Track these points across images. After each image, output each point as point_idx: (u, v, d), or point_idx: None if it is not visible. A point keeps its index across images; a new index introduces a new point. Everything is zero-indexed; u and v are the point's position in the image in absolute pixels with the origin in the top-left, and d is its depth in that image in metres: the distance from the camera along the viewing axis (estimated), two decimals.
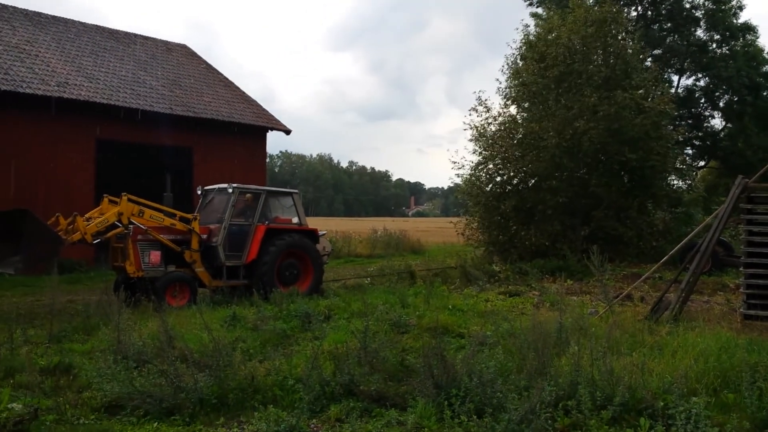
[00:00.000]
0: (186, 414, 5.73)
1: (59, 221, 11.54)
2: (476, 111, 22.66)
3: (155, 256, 12.23)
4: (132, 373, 6.38)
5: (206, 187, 14.37)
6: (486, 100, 22.88)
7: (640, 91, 20.89)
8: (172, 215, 12.86)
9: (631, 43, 22.08)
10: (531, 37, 22.21)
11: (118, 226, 11.99)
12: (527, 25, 23.96)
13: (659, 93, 21.62)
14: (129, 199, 12.11)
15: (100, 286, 12.35)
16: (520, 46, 23.13)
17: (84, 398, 6.17)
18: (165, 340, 7.22)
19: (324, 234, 15.38)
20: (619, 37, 21.68)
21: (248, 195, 13.81)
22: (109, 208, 12.05)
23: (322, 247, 14.79)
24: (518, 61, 22.74)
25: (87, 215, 11.97)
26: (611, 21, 21.44)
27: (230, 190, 13.23)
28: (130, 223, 12.02)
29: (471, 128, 22.43)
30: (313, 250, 14.17)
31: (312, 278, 13.95)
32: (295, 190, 15.31)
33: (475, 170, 22.19)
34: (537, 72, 20.99)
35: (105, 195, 12.41)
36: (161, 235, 12.36)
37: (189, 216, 12.98)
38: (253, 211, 13.57)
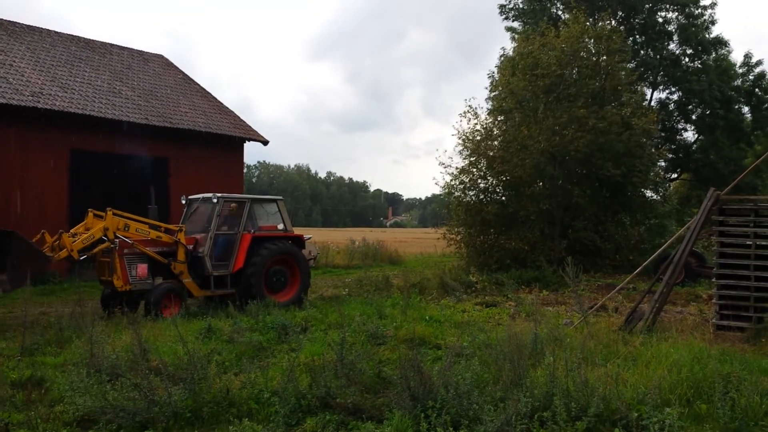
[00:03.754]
0: (160, 428, 5.67)
1: (45, 238, 11.56)
2: (465, 117, 23.05)
3: (142, 269, 12.26)
4: (105, 387, 6.31)
5: (190, 197, 14.35)
6: (476, 107, 23.20)
7: (626, 109, 21.36)
8: (157, 227, 12.85)
9: (621, 64, 22.55)
10: (524, 49, 22.53)
11: (105, 241, 11.95)
12: (525, 38, 24.27)
13: (645, 113, 22.07)
14: (114, 214, 12.11)
15: (73, 298, 12.20)
16: (513, 56, 23.51)
17: (56, 412, 6.09)
18: (139, 353, 7.15)
19: (310, 238, 15.48)
20: (616, 57, 22.11)
21: (233, 204, 13.82)
22: (94, 222, 12.06)
23: (308, 251, 14.90)
24: (510, 70, 22.98)
25: (72, 231, 11.98)
26: (606, 38, 22.00)
27: (215, 200, 13.26)
28: (116, 237, 12.02)
29: (460, 133, 22.75)
30: (300, 255, 14.21)
31: (299, 283, 14.02)
32: (279, 197, 15.29)
33: (460, 174, 22.43)
34: (528, 80, 21.30)
35: (90, 209, 12.37)
36: (147, 248, 12.39)
37: (174, 227, 13.00)
38: (238, 220, 13.58)
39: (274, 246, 13.67)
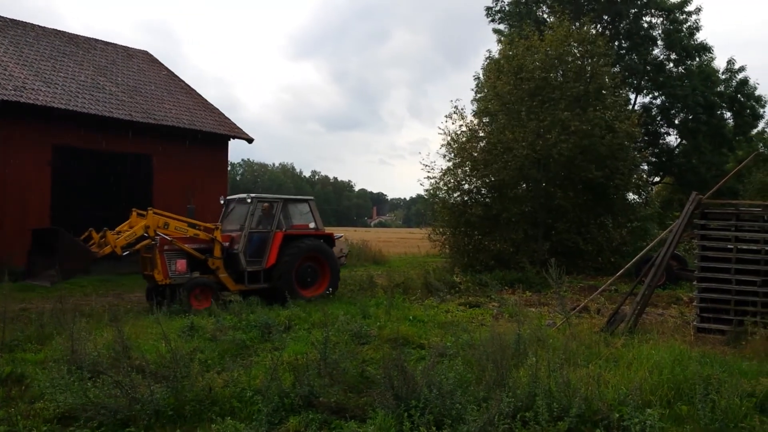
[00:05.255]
0: (141, 426, 5.63)
1: (92, 235, 12.30)
2: (451, 118, 23.25)
3: (181, 264, 13.09)
4: (86, 384, 6.24)
5: (228, 197, 15.30)
6: (462, 108, 23.40)
7: (610, 113, 21.55)
8: (195, 226, 13.61)
9: (606, 69, 22.72)
10: (510, 52, 22.66)
11: (146, 238, 12.82)
12: (509, 41, 24.39)
13: (628, 116, 22.28)
14: (155, 213, 12.97)
15: (54, 295, 12.12)
16: (499, 59, 23.67)
17: (36, 409, 6.02)
18: (121, 351, 7.10)
19: (341, 237, 15.87)
20: (601, 61, 22.29)
21: (266, 204, 14.50)
22: (137, 221, 12.83)
23: (338, 249, 15.85)
24: (495, 73, 23.10)
25: (117, 229, 12.73)
26: (590, 42, 22.27)
27: (249, 200, 14.03)
28: (157, 234, 12.84)
29: (445, 134, 22.86)
30: (330, 253, 14.93)
31: (329, 280, 14.71)
32: (311, 197, 16.10)
33: (444, 175, 22.51)
34: (512, 83, 21.42)
35: (133, 209, 13.20)
36: (186, 245, 13.15)
37: (211, 226, 13.77)
38: (271, 219, 14.28)
39: (304, 243, 14.35)
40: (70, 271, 11.97)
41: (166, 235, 12.94)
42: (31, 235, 12.79)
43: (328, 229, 16.24)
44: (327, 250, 14.83)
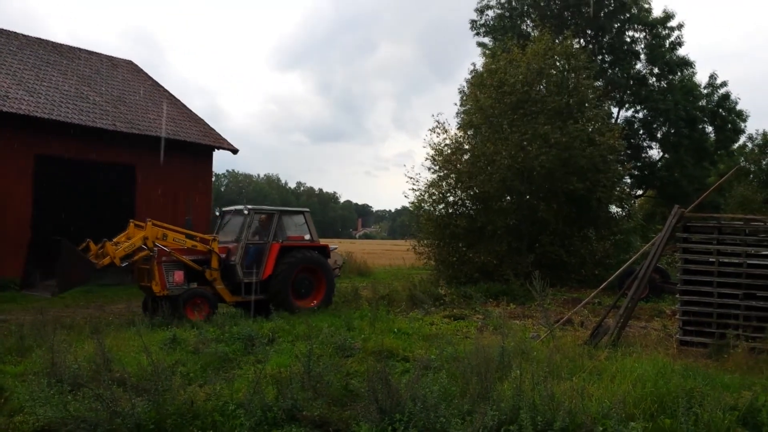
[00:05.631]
0: None
1: (90, 246, 12.31)
2: (435, 132, 23.30)
3: (179, 275, 13.08)
4: (66, 397, 6.16)
5: (224, 209, 15.37)
6: (444, 122, 23.57)
7: (592, 125, 21.74)
8: (192, 237, 13.64)
9: (587, 81, 22.94)
10: (492, 66, 22.85)
11: (144, 249, 12.78)
12: (492, 55, 24.64)
13: (610, 129, 22.51)
14: (154, 224, 12.96)
15: (34, 306, 11.99)
16: (482, 73, 23.87)
17: (16, 422, 5.94)
18: (102, 363, 7.02)
19: (335, 249, 15.97)
20: (583, 75, 22.52)
21: (263, 216, 14.62)
22: (135, 232, 12.88)
23: (333, 261, 15.84)
24: (478, 87, 23.25)
25: (115, 240, 12.69)
26: (570, 55, 22.54)
27: (246, 212, 14.15)
28: (155, 246, 12.81)
29: (430, 147, 22.97)
30: (326, 264, 15.05)
31: (325, 291, 14.83)
32: (306, 209, 16.21)
33: (429, 188, 22.56)
34: (495, 97, 21.56)
35: (131, 220, 13.29)
36: (183, 256, 13.17)
37: (208, 237, 13.83)
38: (267, 231, 14.39)
39: (300, 255, 14.50)
40: (72, 283, 12.03)
41: (164, 246, 12.95)
42: (29, 247, 12.95)
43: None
44: (323, 261, 14.99)
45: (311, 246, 15.06)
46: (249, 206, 14.32)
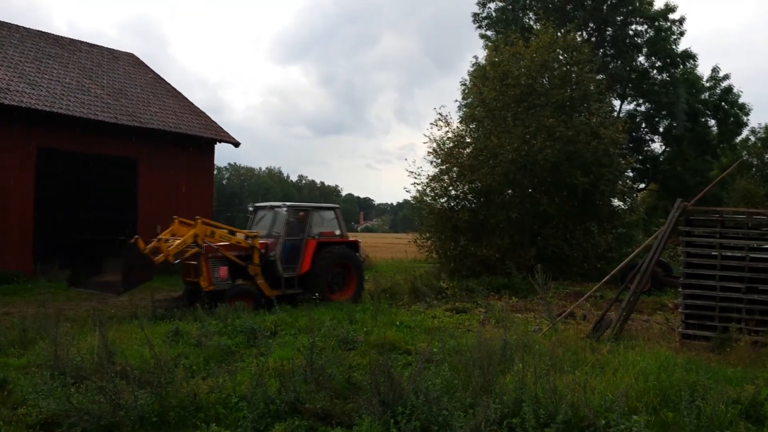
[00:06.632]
0: None
1: (139, 243, 12.45)
2: (437, 125, 23.21)
3: (223, 271, 13.36)
4: (69, 390, 6.18)
5: (257, 205, 15.93)
6: (447, 115, 23.41)
7: (595, 118, 21.69)
8: (234, 234, 14.02)
9: (590, 75, 22.88)
10: (495, 58, 22.78)
11: (194, 246, 13.09)
12: (495, 48, 24.53)
13: (613, 122, 22.45)
14: (203, 222, 13.30)
15: (37, 299, 11.98)
16: (485, 66, 23.78)
17: (19, 415, 5.94)
18: (104, 356, 7.03)
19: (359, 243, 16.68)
20: (586, 68, 22.45)
21: (301, 213, 15.07)
22: (180, 229, 13.16)
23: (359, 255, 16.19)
24: (481, 80, 23.18)
25: (159, 236, 13.06)
26: (573, 49, 22.46)
27: (284, 210, 14.75)
28: (204, 242, 13.14)
29: (431, 141, 22.89)
30: (356, 259, 15.63)
31: (356, 285, 15.37)
32: (337, 205, 16.79)
33: (431, 182, 22.54)
34: (498, 89, 21.49)
35: (174, 217, 13.50)
36: (229, 252, 13.51)
37: (250, 233, 14.16)
38: (303, 227, 14.84)
39: (335, 250, 15.01)
40: (137, 281, 12.38)
41: (212, 243, 13.27)
42: (76, 245, 13.46)
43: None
44: (354, 256, 15.53)
45: (343, 241, 15.55)
46: (287, 203, 14.92)
